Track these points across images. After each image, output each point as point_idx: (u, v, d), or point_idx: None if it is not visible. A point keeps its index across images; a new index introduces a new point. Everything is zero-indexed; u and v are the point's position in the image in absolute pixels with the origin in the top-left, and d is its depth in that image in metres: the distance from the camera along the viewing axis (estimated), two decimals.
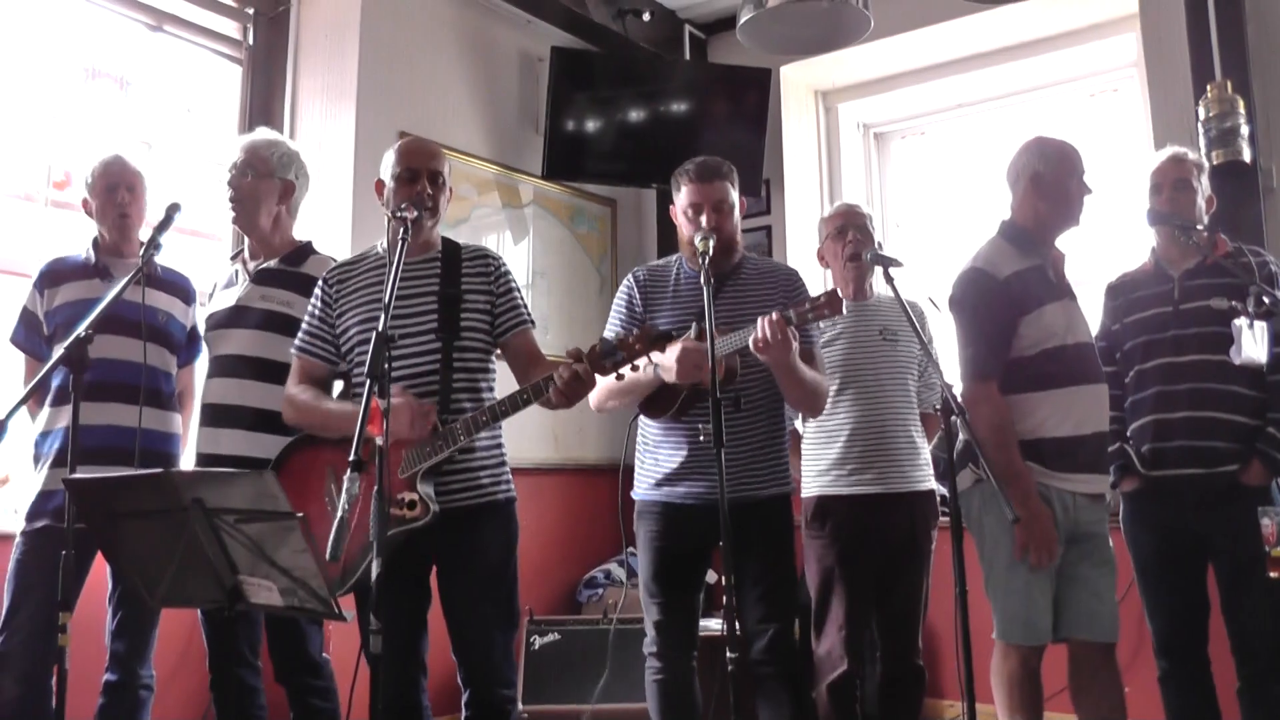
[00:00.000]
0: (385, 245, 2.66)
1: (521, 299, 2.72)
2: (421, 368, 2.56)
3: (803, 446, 3.27)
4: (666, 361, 2.58)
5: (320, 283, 2.72)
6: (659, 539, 2.82)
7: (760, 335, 2.52)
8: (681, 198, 2.87)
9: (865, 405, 3.16)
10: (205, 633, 2.88)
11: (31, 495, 2.91)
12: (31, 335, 3.03)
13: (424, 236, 2.64)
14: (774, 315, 2.52)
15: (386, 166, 2.67)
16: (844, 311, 2.60)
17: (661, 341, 2.41)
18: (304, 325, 2.71)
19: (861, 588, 3.11)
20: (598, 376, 2.75)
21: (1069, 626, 2.73)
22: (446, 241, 2.72)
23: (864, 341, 3.21)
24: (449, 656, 2.57)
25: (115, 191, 3.01)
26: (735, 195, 2.87)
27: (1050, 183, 2.83)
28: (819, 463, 3.20)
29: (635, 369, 2.41)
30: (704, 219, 2.79)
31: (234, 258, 3.12)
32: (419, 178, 2.61)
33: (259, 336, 2.88)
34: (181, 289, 3.12)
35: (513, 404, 2.46)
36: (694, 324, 2.72)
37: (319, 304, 2.70)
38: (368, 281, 2.64)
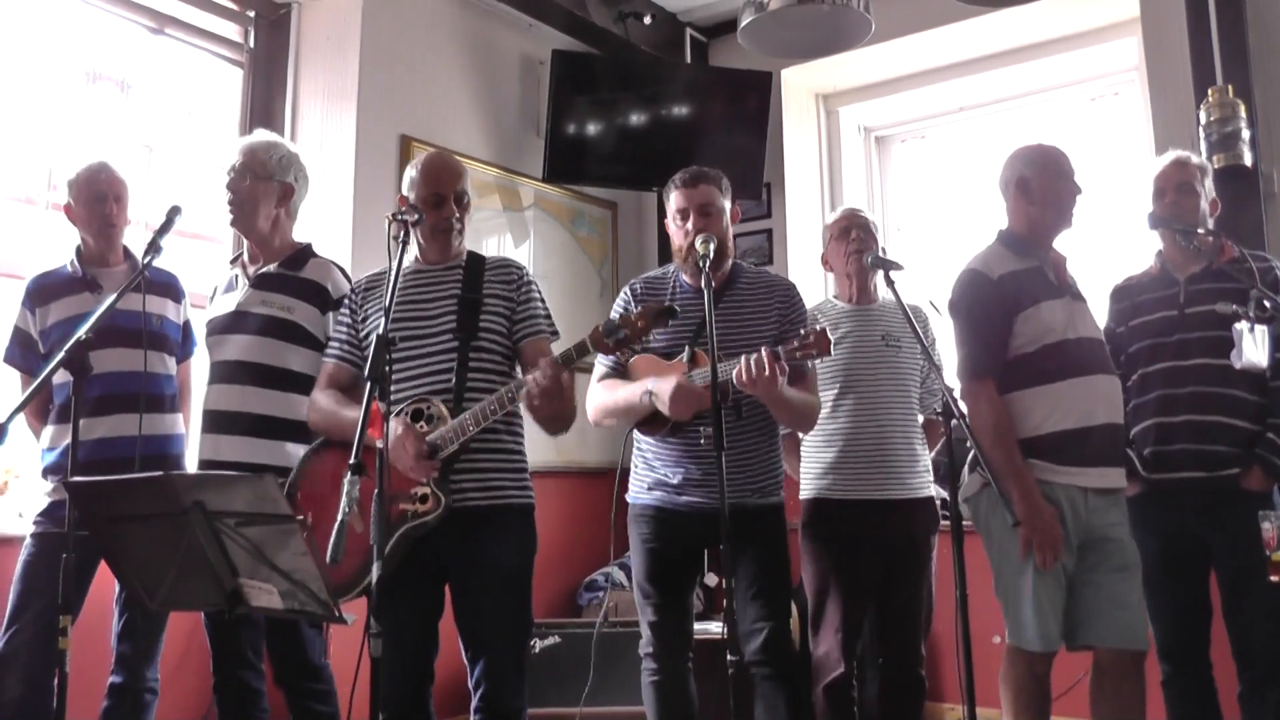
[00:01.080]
0: (414, 258, 2.73)
1: (544, 310, 2.73)
2: (437, 367, 2.58)
3: (802, 449, 3.27)
4: (661, 394, 2.61)
5: (349, 293, 2.79)
6: (652, 541, 2.83)
7: (745, 372, 2.51)
8: (670, 205, 2.89)
9: (865, 411, 3.15)
10: (209, 635, 2.88)
11: (41, 503, 2.91)
12: (27, 354, 3.01)
13: (453, 250, 2.72)
14: (762, 352, 2.51)
15: (409, 183, 2.70)
16: (832, 353, 2.60)
17: (664, 317, 2.42)
18: (333, 334, 2.79)
19: (858, 591, 3.11)
20: (599, 389, 2.77)
21: (1091, 634, 2.71)
22: (472, 253, 2.76)
23: (866, 347, 3.20)
24: (456, 659, 2.57)
25: (103, 202, 3.00)
26: (725, 201, 2.87)
27: (1037, 186, 2.84)
28: (817, 465, 3.20)
29: (636, 350, 2.44)
30: (690, 223, 2.80)
31: (233, 261, 3.11)
32: (445, 202, 2.66)
33: (259, 342, 2.87)
34: (170, 288, 3.11)
35: (500, 402, 2.46)
36: (686, 347, 2.73)
37: (347, 314, 2.76)
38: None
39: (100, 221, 3.00)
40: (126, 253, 3.10)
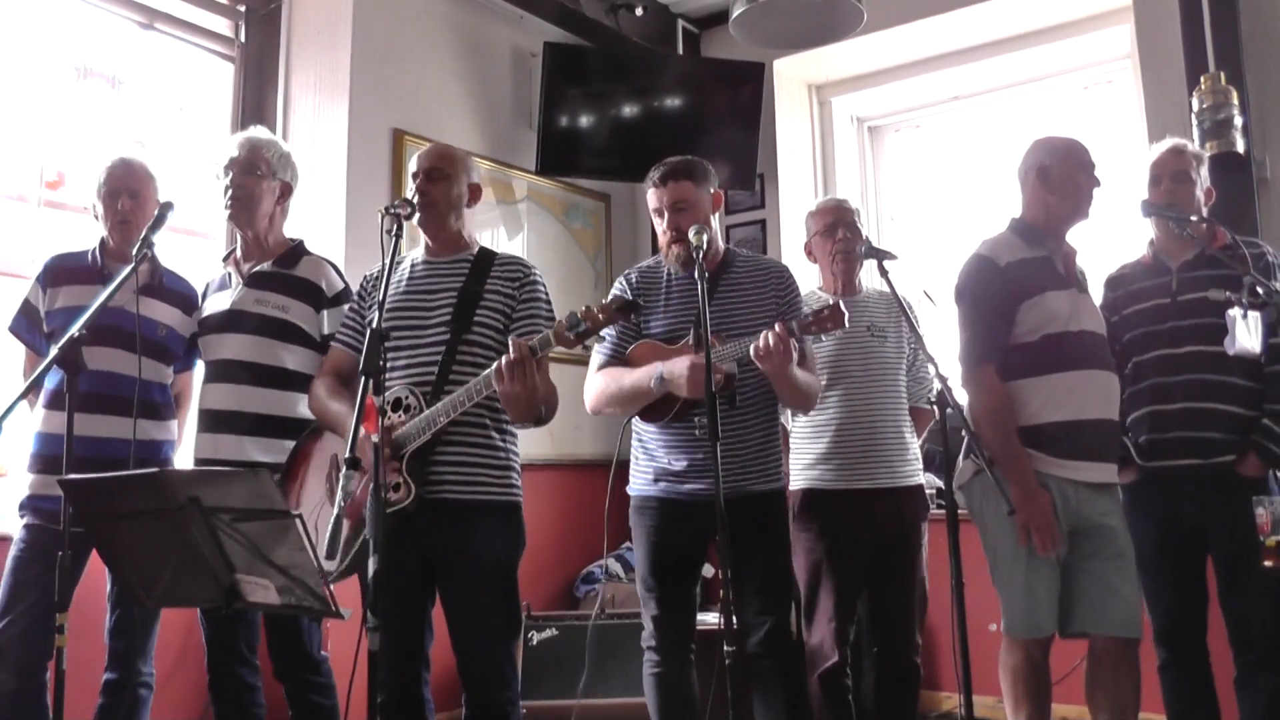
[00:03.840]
0: (423, 250, 2.77)
1: (546, 310, 2.70)
2: (424, 358, 2.59)
3: (791, 440, 3.28)
4: (676, 377, 2.60)
5: (361, 281, 2.81)
6: (655, 534, 2.82)
7: (763, 346, 2.54)
8: (649, 201, 2.92)
9: (853, 401, 3.16)
10: (205, 632, 2.88)
11: (22, 495, 2.89)
12: (31, 328, 3.00)
13: (446, 232, 2.74)
14: (778, 327, 2.53)
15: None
16: (846, 325, 2.61)
17: (625, 312, 2.43)
18: (344, 320, 2.80)
19: (850, 580, 3.12)
20: (598, 378, 2.78)
21: (1083, 621, 2.72)
22: (484, 249, 2.77)
23: (852, 338, 3.20)
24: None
25: (117, 197, 2.97)
26: (703, 191, 2.87)
27: (1058, 176, 2.85)
28: (806, 456, 3.21)
29: (601, 339, 2.45)
30: (666, 221, 2.84)
31: (225, 259, 3.10)
32: (417, 176, 2.71)
33: (255, 342, 2.87)
34: (185, 299, 3.06)
35: (474, 391, 2.46)
36: (691, 330, 2.74)
37: (358, 300, 2.79)
38: (397, 279, 2.70)
39: (114, 217, 2.98)
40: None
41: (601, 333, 2.45)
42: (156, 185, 3.06)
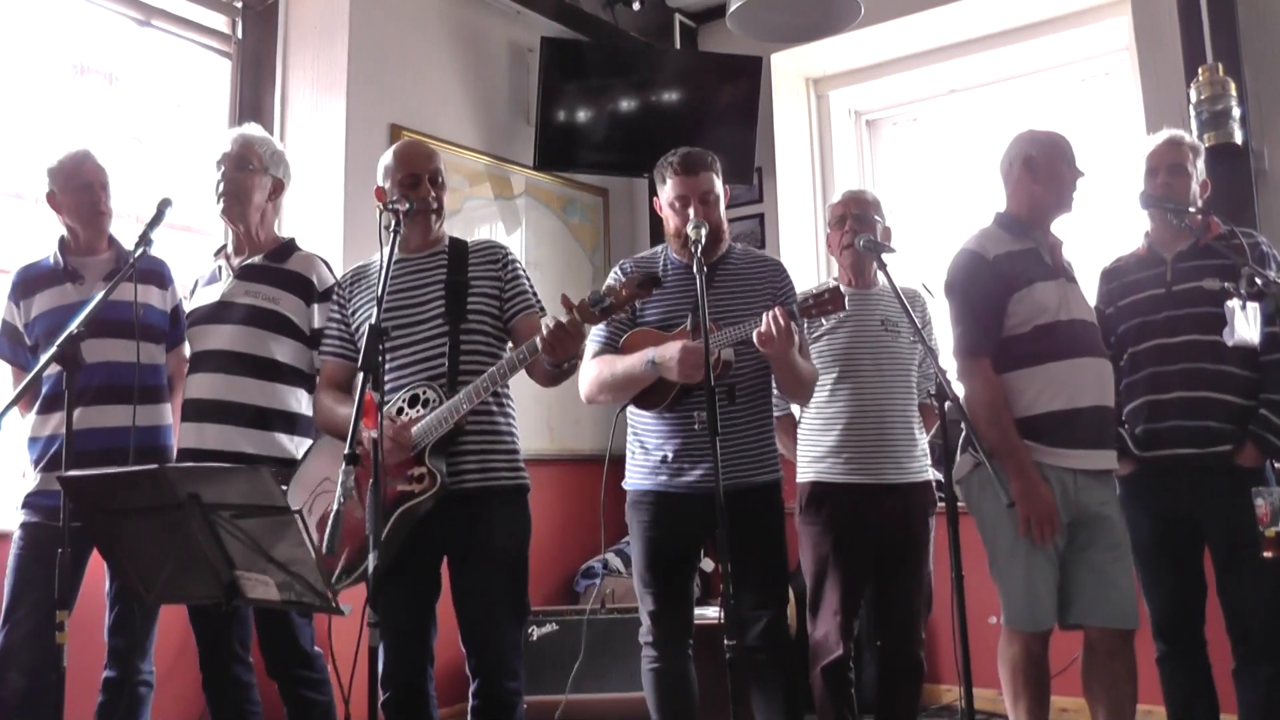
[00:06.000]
0: (398, 248, 2.72)
1: (529, 287, 2.76)
2: (429, 353, 2.60)
3: (799, 431, 3.27)
4: (667, 360, 2.60)
5: (336, 286, 2.80)
6: (651, 529, 2.82)
7: (765, 329, 2.54)
8: (667, 190, 2.88)
9: (864, 394, 3.15)
10: (195, 631, 2.87)
11: (23, 494, 2.89)
12: (15, 348, 3.00)
13: (433, 234, 2.74)
14: (778, 310, 2.54)
15: (384, 171, 2.71)
16: (846, 307, 2.63)
17: (648, 286, 2.43)
18: (326, 331, 2.79)
19: (856, 574, 3.12)
20: (592, 365, 2.78)
21: (1081, 613, 2.73)
22: (454, 239, 2.78)
23: (865, 331, 3.20)
24: (458, 646, 2.59)
25: (90, 190, 2.96)
26: (720, 185, 2.89)
27: (1043, 166, 2.87)
28: (815, 448, 3.20)
29: (627, 313, 2.46)
30: (691, 211, 2.79)
31: (217, 253, 3.10)
32: (421, 182, 2.68)
33: (244, 332, 2.87)
34: (155, 274, 3.03)
35: (510, 365, 2.48)
36: (689, 316, 2.73)
37: (336, 308, 2.77)
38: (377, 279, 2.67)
39: (89, 209, 2.96)
40: (111, 241, 3.06)
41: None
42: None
